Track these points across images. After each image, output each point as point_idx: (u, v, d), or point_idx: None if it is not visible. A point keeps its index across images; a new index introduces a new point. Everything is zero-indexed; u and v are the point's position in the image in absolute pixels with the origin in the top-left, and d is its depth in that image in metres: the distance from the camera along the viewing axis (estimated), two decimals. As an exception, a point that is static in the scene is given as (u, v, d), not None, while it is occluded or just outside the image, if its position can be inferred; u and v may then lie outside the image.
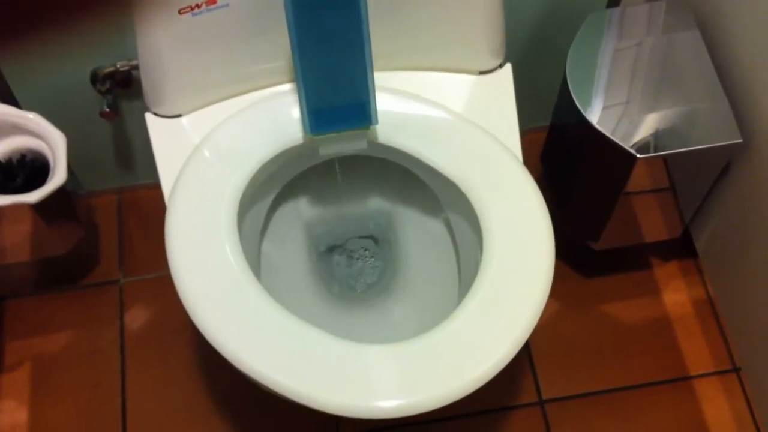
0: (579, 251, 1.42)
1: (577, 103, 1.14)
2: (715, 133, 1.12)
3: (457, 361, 0.90)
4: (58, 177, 1.13)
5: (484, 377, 0.90)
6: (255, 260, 1.11)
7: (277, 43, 1.00)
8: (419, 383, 0.89)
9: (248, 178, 1.01)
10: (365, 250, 1.28)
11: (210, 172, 1.01)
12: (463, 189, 1.01)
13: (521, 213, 1.00)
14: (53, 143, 1.15)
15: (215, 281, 0.95)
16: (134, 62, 1.17)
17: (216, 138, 1.03)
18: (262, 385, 0.90)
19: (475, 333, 0.92)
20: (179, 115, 1.07)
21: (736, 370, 1.38)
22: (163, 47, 1.00)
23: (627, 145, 1.10)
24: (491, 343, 0.91)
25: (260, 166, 1.02)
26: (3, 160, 1.19)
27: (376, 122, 0.99)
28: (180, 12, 0.96)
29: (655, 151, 1.11)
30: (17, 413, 1.35)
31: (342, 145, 1.05)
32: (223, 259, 0.96)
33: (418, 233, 1.23)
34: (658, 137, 1.12)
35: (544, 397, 1.36)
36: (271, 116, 1.05)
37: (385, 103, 1.02)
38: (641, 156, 1.10)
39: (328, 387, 0.88)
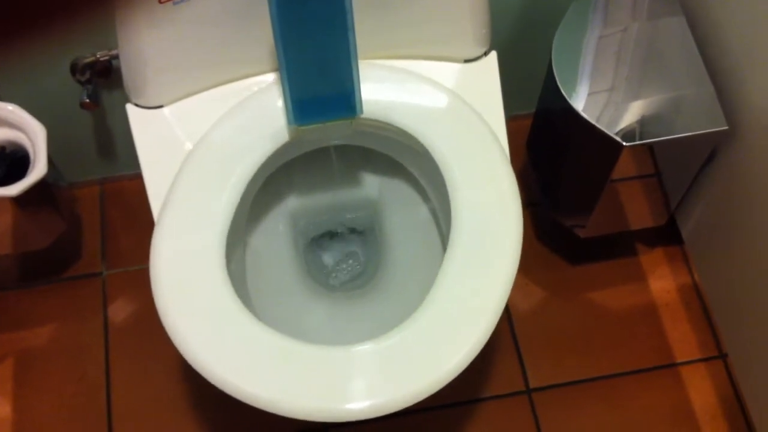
0: (565, 239, 1.42)
1: (563, 90, 1.13)
2: (701, 120, 1.12)
3: (429, 354, 0.90)
4: (38, 169, 1.12)
5: (458, 367, 0.89)
6: (240, 255, 1.10)
7: (260, 32, 0.99)
8: (391, 381, 0.89)
9: (244, 186, 1.00)
10: (351, 241, 1.28)
11: (203, 187, 1.00)
12: (443, 172, 1.00)
13: (493, 196, 0.99)
14: (33, 135, 1.13)
15: (198, 298, 0.96)
16: (114, 52, 1.15)
17: (208, 142, 1.02)
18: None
19: (443, 325, 0.92)
20: (161, 106, 1.06)
21: (723, 356, 1.39)
22: (143, 37, 0.99)
23: (612, 133, 1.10)
24: (459, 334, 0.91)
25: (257, 168, 1.00)
26: (-18, 153, 1.18)
27: (361, 112, 0.98)
28: (161, 1, 0.94)
29: (641, 138, 1.10)
30: (0, 407, 1.33)
31: (327, 134, 1.04)
32: (207, 274, 0.95)
33: (404, 223, 1.23)
34: (644, 124, 1.11)
35: (531, 385, 1.36)
36: (260, 112, 1.03)
37: (369, 90, 1.01)
38: (627, 144, 1.09)
39: (293, 392, 0.88)
